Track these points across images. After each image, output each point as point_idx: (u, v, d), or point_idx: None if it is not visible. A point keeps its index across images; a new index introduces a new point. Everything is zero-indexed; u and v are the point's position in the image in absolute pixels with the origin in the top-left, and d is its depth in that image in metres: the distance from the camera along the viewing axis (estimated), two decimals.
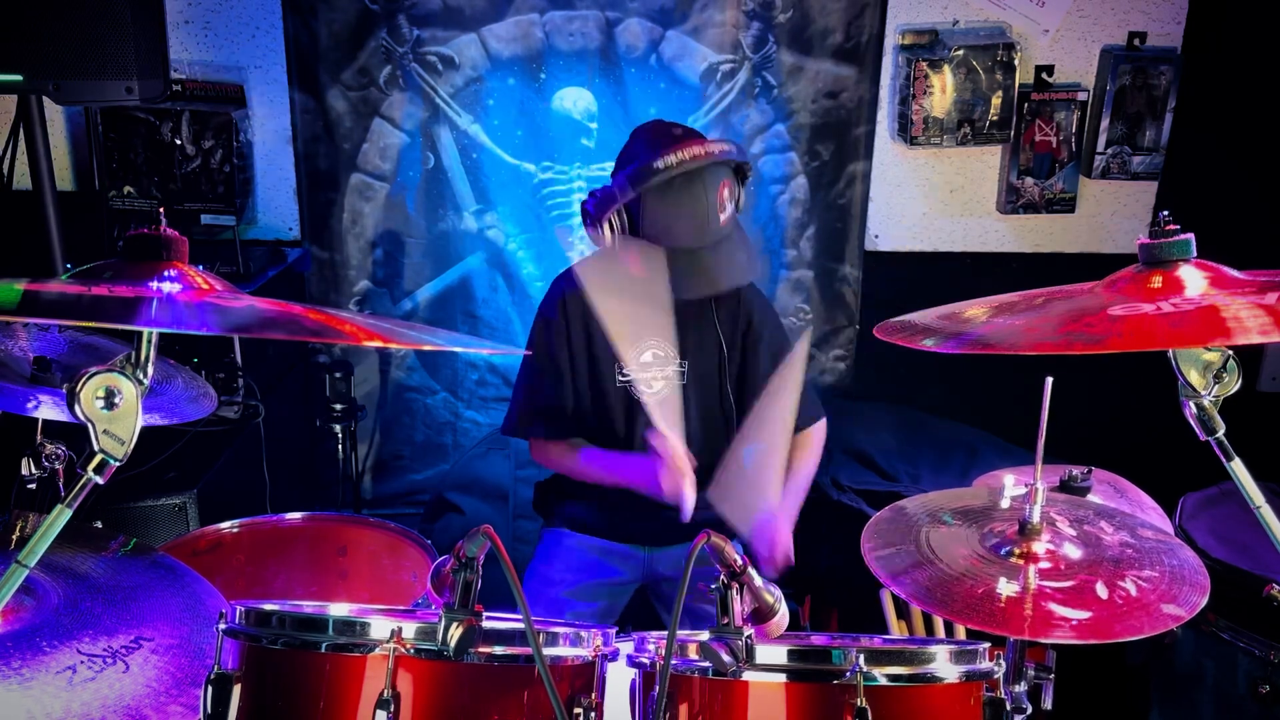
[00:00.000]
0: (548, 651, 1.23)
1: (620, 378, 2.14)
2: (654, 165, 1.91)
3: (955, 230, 3.34)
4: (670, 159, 1.91)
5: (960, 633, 2.00)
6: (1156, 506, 1.90)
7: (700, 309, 2.16)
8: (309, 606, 1.37)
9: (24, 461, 1.63)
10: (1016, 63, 3.12)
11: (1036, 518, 1.45)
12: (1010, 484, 1.57)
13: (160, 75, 2.34)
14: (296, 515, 2.16)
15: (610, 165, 2.16)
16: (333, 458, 3.12)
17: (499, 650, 1.20)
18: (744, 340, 2.19)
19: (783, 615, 1.24)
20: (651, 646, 1.33)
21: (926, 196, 3.30)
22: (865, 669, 1.20)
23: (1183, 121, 3.21)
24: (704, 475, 2.03)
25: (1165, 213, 1.27)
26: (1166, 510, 1.92)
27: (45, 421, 1.63)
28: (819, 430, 2.26)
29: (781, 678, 1.22)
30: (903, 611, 2.17)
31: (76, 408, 1.12)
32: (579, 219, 2.11)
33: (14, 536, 1.53)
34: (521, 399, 2.19)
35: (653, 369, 2.14)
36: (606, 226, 1.98)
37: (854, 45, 3.12)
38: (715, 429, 2.20)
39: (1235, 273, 1.25)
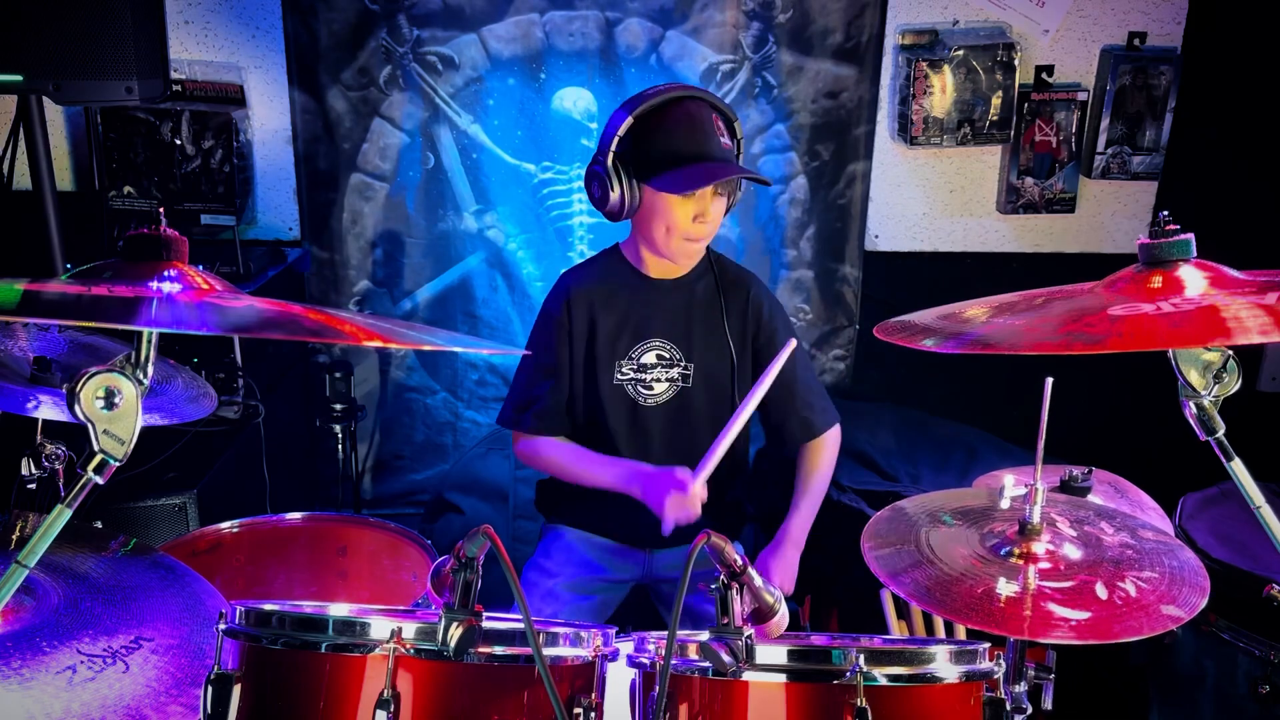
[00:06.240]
0: (548, 651, 1.23)
1: (619, 376, 2.14)
2: (646, 92, 1.97)
3: (955, 230, 3.34)
4: (661, 86, 1.99)
5: (960, 633, 2.00)
6: (1156, 506, 1.89)
7: (709, 310, 2.15)
8: (309, 606, 1.37)
9: (24, 461, 1.63)
10: (1016, 63, 3.12)
11: (1037, 518, 1.44)
12: (1010, 484, 1.57)
13: (160, 75, 2.34)
14: (296, 515, 2.16)
15: None
16: (333, 458, 3.12)
17: (499, 650, 1.20)
18: (754, 343, 2.16)
19: (783, 615, 1.24)
20: (651, 646, 1.33)
21: (926, 196, 3.30)
22: (865, 669, 1.20)
23: (1183, 121, 3.21)
24: (711, 500, 2.01)
25: (1165, 213, 1.27)
26: (1166, 510, 1.92)
27: (45, 421, 1.63)
28: (833, 437, 2.23)
29: (781, 678, 1.22)
30: (903, 612, 2.16)
31: (76, 408, 1.12)
32: (578, 220, 2.11)
33: (14, 536, 1.53)
34: (518, 391, 2.19)
35: (655, 370, 2.13)
36: (611, 167, 1.96)
37: (854, 45, 3.12)
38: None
39: (1235, 273, 1.25)
